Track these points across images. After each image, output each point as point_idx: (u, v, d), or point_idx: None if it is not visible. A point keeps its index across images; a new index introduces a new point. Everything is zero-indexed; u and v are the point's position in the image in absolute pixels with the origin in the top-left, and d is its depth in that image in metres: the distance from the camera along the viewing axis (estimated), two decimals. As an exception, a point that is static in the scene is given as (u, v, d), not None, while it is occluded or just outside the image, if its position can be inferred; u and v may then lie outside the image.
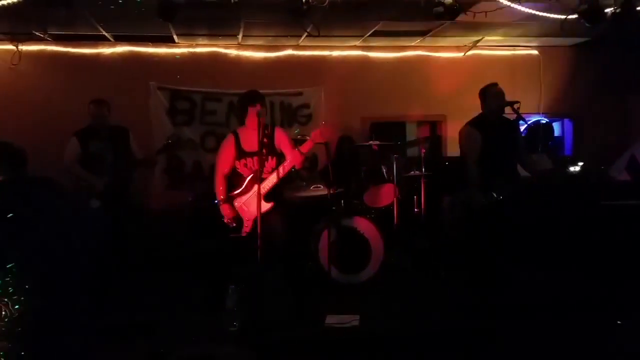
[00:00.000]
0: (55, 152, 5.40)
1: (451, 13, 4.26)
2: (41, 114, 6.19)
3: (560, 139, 7.57)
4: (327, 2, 4.06)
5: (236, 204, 4.28)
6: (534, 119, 7.07)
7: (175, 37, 6.30)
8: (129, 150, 5.17)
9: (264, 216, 4.01)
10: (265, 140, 4.12)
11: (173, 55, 6.64)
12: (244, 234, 4.24)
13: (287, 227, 4.28)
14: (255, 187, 3.98)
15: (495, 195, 4.55)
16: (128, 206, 5.16)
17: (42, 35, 6.05)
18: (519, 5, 4.28)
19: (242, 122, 4.32)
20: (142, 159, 5.27)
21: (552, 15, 4.70)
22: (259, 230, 3.86)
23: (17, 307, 1.05)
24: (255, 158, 4.11)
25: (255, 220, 4.03)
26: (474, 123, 4.83)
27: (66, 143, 5.17)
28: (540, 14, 4.68)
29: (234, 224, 4.25)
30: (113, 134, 5.12)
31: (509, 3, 4.18)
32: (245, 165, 4.24)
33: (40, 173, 5.66)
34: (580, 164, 6.18)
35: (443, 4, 4.19)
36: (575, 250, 5.19)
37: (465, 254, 4.92)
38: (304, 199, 5.45)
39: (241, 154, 4.24)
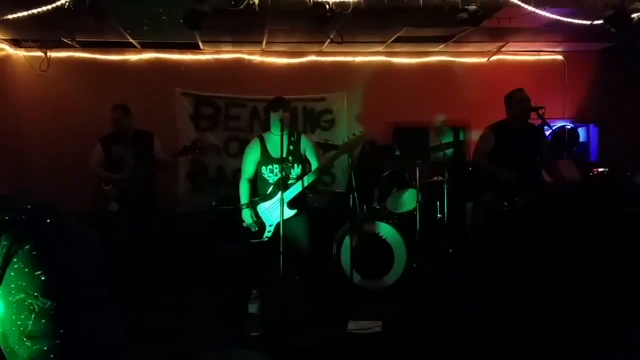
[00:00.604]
0: (81, 157, 5.53)
1: (475, 19, 4.25)
2: (69, 119, 6.34)
3: (586, 144, 7.45)
4: (350, 8, 4.08)
5: (260, 209, 4.32)
6: (559, 124, 6.98)
7: (200, 43, 6.40)
8: (152, 155, 5.23)
9: (287, 222, 4.05)
10: (290, 147, 4.16)
11: (198, 62, 6.74)
12: (264, 239, 4.27)
13: (311, 234, 4.30)
14: (279, 193, 4.03)
15: (518, 201, 4.52)
16: (150, 210, 5.23)
17: (70, 42, 6.17)
18: (543, 10, 4.24)
19: (267, 128, 4.38)
20: (159, 161, 5.30)
21: (577, 21, 4.65)
22: (281, 236, 3.90)
23: (39, 305, 1.08)
24: (280, 164, 4.15)
25: (278, 226, 4.07)
26: (492, 126, 4.86)
27: (93, 148, 5.29)
28: (566, 19, 4.64)
29: (255, 229, 4.29)
30: (135, 138, 5.21)
31: (533, 9, 4.15)
32: (272, 170, 4.26)
33: (68, 177, 5.82)
34: (605, 169, 6.12)
35: (467, 10, 4.18)
36: (599, 256, 5.12)
37: (488, 259, 4.89)
38: (326, 205, 5.49)
39: (267, 159, 4.27)
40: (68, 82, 6.47)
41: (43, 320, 1.04)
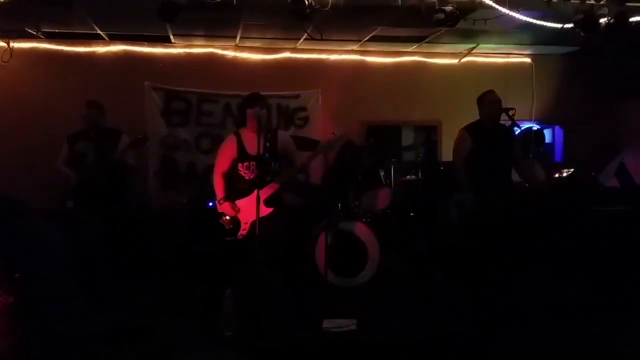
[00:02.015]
0: (45, 151, 5.36)
1: (451, 20, 4.29)
2: (32, 113, 6.14)
3: (551, 145, 7.66)
4: (329, 5, 4.07)
5: (235, 206, 4.25)
6: (525, 125, 7.14)
7: (171, 37, 6.27)
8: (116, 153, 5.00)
9: (263, 220, 3.99)
10: (267, 143, 4.10)
11: (169, 56, 6.60)
12: (240, 237, 4.20)
13: (286, 233, 4.26)
14: (256, 191, 3.96)
15: (490, 201, 4.60)
16: (115, 207, 5.03)
17: (35, 33, 5.97)
18: (516, 13, 4.33)
19: (240, 124, 4.31)
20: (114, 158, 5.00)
21: (548, 24, 4.76)
22: (257, 235, 3.84)
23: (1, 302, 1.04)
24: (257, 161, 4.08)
25: (253, 224, 4.00)
26: (467, 127, 4.92)
27: (57, 142, 5.14)
28: (537, 22, 4.74)
29: (231, 226, 4.22)
30: (101, 135, 5.03)
31: (506, 10, 4.23)
32: (248, 167, 4.17)
33: (29, 171, 5.64)
34: (571, 170, 6.28)
35: (444, 11, 4.22)
36: (567, 254, 5.26)
37: (461, 257, 4.95)
38: (301, 202, 5.46)
39: (244, 156, 4.18)
40: (32, 75, 6.25)
41: (6, 317, 1.01)
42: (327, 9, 4.05)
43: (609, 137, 7.12)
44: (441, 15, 4.20)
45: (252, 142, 4.08)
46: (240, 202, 4.22)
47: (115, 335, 3.50)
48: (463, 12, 4.59)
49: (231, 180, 4.28)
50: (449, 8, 4.16)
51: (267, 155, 4.10)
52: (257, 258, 3.85)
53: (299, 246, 5.06)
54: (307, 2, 3.90)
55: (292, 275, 4.65)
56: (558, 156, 7.71)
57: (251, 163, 4.16)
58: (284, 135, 4.39)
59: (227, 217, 4.19)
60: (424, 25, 5.01)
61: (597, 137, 7.10)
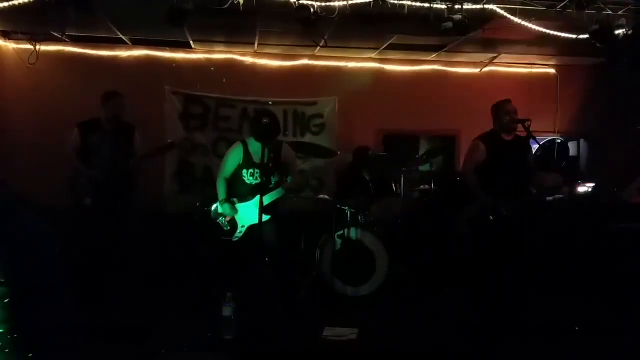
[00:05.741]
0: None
1: (460, 29, 4.23)
2: (56, 113, 6.26)
3: (575, 158, 7.45)
4: (335, 13, 4.07)
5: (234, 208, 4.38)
6: (549, 138, 6.97)
7: (191, 42, 6.38)
8: (131, 149, 5.00)
9: (258, 225, 4.05)
10: (271, 154, 4.21)
11: (189, 61, 6.71)
12: (234, 239, 4.36)
13: (281, 239, 4.37)
14: (257, 197, 4.03)
15: (503, 211, 4.50)
16: (126, 206, 5.05)
17: (60, 36, 6.15)
18: (529, 23, 4.24)
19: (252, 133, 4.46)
20: (143, 153, 5.04)
21: (563, 34, 4.65)
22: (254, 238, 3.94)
23: None
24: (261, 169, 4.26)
25: (249, 228, 4.26)
26: (481, 136, 4.82)
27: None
28: (552, 32, 4.64)
29: (228, 227, 4.36)
30: (118, 129, 4.94)
31: (519, 20, 4.15)
32: (252, 174, 4.38)
33: (53, 170, 5.76)
34: (591, 184, 6.10)
35: (452, 20, 4.16)
36: (583, 272, 5.10)
37: (471, 271, 4.86)
38: (310, 209, 5.47)
39: (249, 163, 4.37)
40: (56, 76, 6.43)
41: None
42: (333, 16, 4.05)
43: (634, 152, 6.88)
44: (449, 24, 4.14)
45: (257, 150, 4.29)
46: (240, 205, 4.39)
47: (111, 334, 3.55)
48: (476, 22, 4.52)
49: (234, 184, 4.44)
50: (457, 17, 4.10)
51: (270, 165, 4.23)
52: (255, 262, 3.91)
53: (307, 253, 5.06)
54: (312, 9, 3.92)
55: (296, 282, 4.64)
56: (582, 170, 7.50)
57: (255, 170, 4.35)
58: (287, 150, 4.56)
59: (227, 218, 4.37)
60: (438, 34, 4.95)
61: (622, 151, 6.87)
